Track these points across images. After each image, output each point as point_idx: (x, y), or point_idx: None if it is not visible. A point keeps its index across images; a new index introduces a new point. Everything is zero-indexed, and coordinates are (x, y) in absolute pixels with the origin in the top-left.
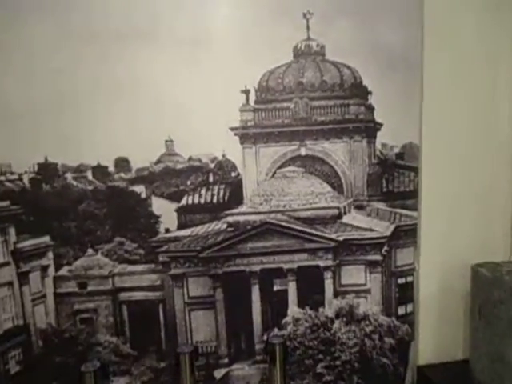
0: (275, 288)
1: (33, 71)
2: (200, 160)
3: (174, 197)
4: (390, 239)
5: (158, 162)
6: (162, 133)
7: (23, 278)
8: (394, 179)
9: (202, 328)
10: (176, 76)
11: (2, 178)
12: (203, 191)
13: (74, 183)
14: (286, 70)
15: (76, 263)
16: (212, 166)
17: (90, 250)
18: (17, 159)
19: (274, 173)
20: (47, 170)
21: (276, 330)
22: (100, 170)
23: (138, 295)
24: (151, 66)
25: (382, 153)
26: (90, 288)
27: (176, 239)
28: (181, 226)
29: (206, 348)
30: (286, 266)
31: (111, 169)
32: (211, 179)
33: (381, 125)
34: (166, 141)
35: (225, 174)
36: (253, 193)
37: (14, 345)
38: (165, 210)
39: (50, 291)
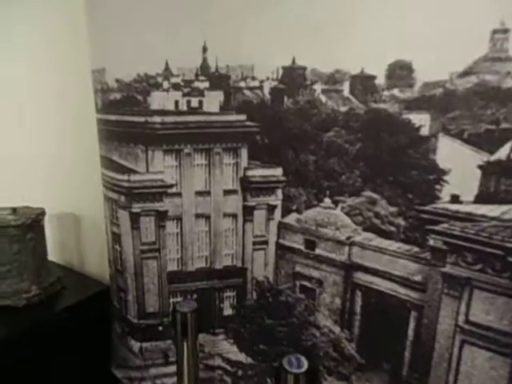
0: None
1: None
2: None
3: (485, 142)
4: None
5: (467, 73)
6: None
7: (247, 213)
8: None
9: (480, 378)
10: None
11: (242, 84)
12: None
13: (323, 99)
14: None
15: (307, 213)
16: None
17: (327, 200)
18: (261, 60)
19: None
20: (292, 78)
21: None
22: (362, 82)
23: (383, 285)
24: None
25: None
26: (318, 251)
27: (469, 218)
28: (483, 198)
29: None
30: None
31: (380, 81)
32: None
33: None
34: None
35: None
36: None
37: (231, 286)
38: (459, 163)
39: (272, 239)
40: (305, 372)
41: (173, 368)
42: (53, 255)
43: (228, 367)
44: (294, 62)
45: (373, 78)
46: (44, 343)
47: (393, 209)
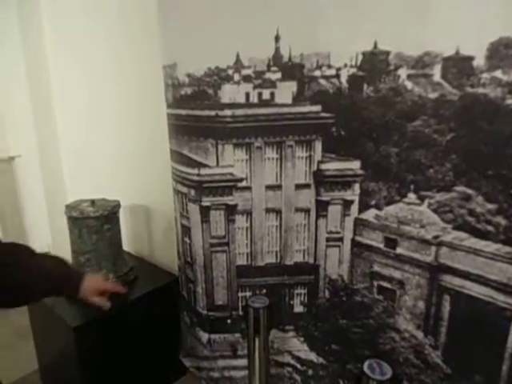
0: None
1: None
2: None
3: None
4: None
5: None
6: None
7: (321, 208)
8: None
9: None
10: None
11: (317, 73)
12: None
13: (409, 85)
14: None
15: (388, 209)
16: None
17: (411, 196)
18: (339, 46)
19: None
20: (373, 63)
21: None
22: (457, 65)
23: (476, 290)
24: None
25: None
26: (399, 250)
27: None
28: None
29: None
30: None
31: (479, 62)
32: None
33: None
34: None
35: None
36: None
37: (301, 282)
38: None
39: (348, 235)
40: (388, 380)
41: (241, 361)
42: (126, 246)
43: (298, 365)
44: (375, 46)
45: (470, 59)
46: (118, 329)
47: (491, 206)
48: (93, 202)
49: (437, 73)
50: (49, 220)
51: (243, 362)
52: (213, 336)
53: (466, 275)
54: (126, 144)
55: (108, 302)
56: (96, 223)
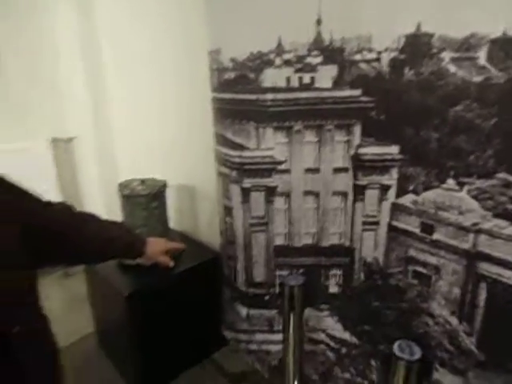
0: None
1: None
2: None
3: None
4: None
5: None
6: None
7: (358, 192)
8: None
9: None
10: None
11: (358, 56)
12: None
13: (452, 69)
14: None
15: (426, 194)
16: None
17: (450, 182)
18: (381, 29)
19: None
20: (416, 46)
21: None
22: (504, 47)
23: None
24: None
25: None
26: (436, 236)
27: None
28: None
29: None
30: None
31: None
32: None
33: None
34: None
35: None
36: None
37: (337, 264)
38: None
39: (384, 220)
40: (418, 360)
41: (277, 336)
42: (173, 223)
43: (332, 343)
44: (418, 28)
45: None
46: (165, 300)
47: None
48: (142, 181)
49: (482, 55)
50: (103, 197)
51: (279, 336)
52: (251, 311)
53: (504, 264)
54: (172, 128)
55: (171, 261)
56: (145, 201)
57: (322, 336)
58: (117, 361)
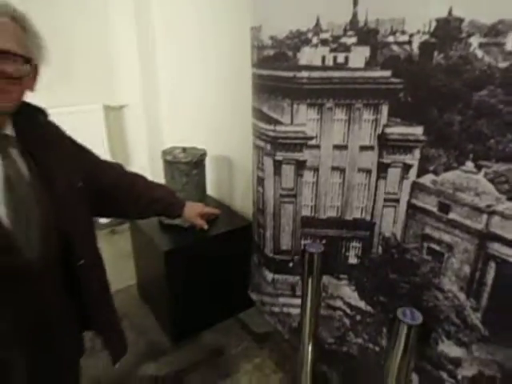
0: None
1: None
2: None
3: None
4: None
5: None
6: None
7: (382, 170)
8: None
9: None
10: None
11: (391, 38)
12: None
13: (480, 54)
14: None
15: (445, 175)
16: None
17: (469, 164)
18: (414, 12)
19: None
20: (446, 30)
21: None
22: None
23: None
24: None
25: None
26: (452, 215)
27: None
28: None
29: None
30: None
31: None
32: None
33: None
34: None
35: None
36: None
37: (358, 237)
38: None
39: (404, 198)
40: (418, 325)
41: (298, 301)
42: (210, 190)
43: (348, 310)
44: (450, 13)
45: None
46: (200, 258)
47: None
48: (184, 150)
49: (509, 41)
50: (149, 162)
51: (300, 301)
52: (276, 276)
53: None
54: (213, 100)
55: (207, 224)
56: (186, 167)
57: (340, 303)
58: (154, 308)
